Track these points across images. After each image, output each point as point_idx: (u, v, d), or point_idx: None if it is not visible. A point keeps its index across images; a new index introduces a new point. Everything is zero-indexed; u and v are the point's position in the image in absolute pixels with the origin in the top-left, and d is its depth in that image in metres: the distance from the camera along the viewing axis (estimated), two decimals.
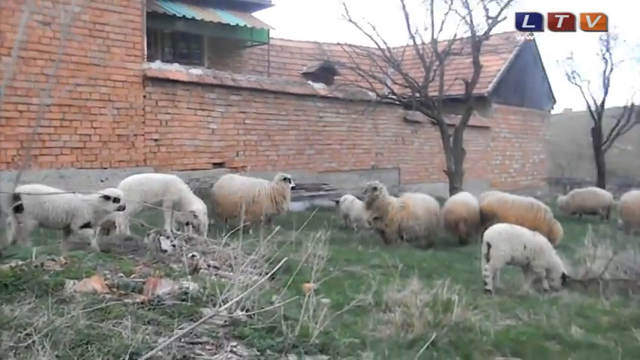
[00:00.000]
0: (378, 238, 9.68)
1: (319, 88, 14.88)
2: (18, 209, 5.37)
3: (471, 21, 13.36)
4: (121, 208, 6.07)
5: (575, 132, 32.09)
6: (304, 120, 14.42)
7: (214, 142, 12.53)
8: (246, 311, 3.39)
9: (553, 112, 23.89)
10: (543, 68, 21.86)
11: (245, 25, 15.24)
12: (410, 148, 17.31)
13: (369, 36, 14.35)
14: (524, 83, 20.64)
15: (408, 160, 17.27)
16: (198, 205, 7.66)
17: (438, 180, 16.89)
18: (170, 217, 7.53)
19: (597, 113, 22.76)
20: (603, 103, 22.93)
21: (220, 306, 3.20)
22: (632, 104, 22.84)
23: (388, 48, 14.15)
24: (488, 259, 6.31)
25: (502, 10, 12.98)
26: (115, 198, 5.86)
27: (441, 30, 13.68)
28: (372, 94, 14.57)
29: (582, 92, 24.43)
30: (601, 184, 20.34)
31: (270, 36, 16.64)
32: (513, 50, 18.36)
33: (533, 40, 20.11)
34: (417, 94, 14.20)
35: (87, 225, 5.75)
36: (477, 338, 4.11)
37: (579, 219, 14.49)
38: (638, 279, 6.35)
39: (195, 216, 7.55)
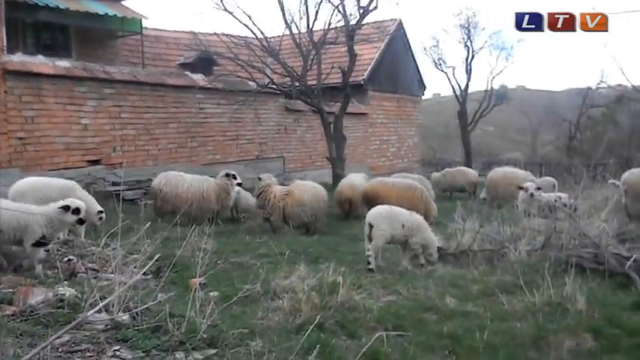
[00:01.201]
0: (266, 228, 9.76)
1: (198, 78, 14.55)
2: None
3: (344, 10, 13.78)
4: (82, 222, 5.39)
5: (444, 116, 34.43)
6: (184, 112, 14.03)
7: (88, 138, 11.79)
8: (130, 312, 3.30)
9: (424, 97, 25.32)
10: (413, 56, 23.09)
11: (115, 15, 14.45)
12: (293, 136, 17.51)
13: (246, 25, 14.29)
14: (396, 71, 21.65)
15: (292, 148, 17.47)
16: (99, 207, 7.44)
17: (321, 167, 17.28)
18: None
19: (462, 97, 24.65)
20: (467, 87, 24.88)
21: (102, 310, 3.08)
22: (492, 88, 25.03)
23: (265, 37, 14.18)
24: (370, 239, 6.64)
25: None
26: (75, 209, 5.20)
27: (315, 19, 13.97)
28: (252, 84, 14.52)
29: (448, 78, 26.31)
30: (468, 163, 22.10)
31: (144, 26, 15.93)
32: (385, 39, 19.17)
33: (403, 28, 21.21)
34: (297, 83, 14.39)
35: (40, 242, 4.98)
36: (361, 316, 4.33)
37: (450, 197, 15.59)
38: (502, 248, 6.95)
39: (101, 218, 7.32)
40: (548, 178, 13.15)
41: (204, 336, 3.09)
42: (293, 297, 4.44)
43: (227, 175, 9.64)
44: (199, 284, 4.13)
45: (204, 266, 4.34)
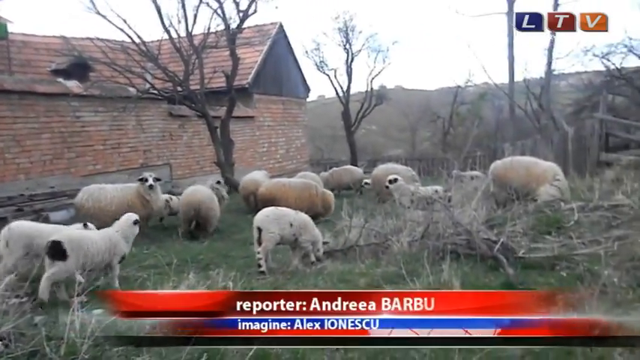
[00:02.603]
0: (153, 237, 9.46)
1: (72, 85, 13.70)
2: None
3: (223, 14, 13.67)
4: None
5: (329, 117, 35.29)
6: (58, 121, 13.16)
7: None
8: (2, 341, 3.08)
9: (309, 99, 25.80)
10: (296, 59, 23.44)
11: None
12: (179, 142, 17.07)
13: (121, 29, 13.71)
14: (280, 74, 21.86)
15: (178, 155, 17.03)
16: None
17: (210, 172, 17.02)
18: None
19: (345, 99, 25.45)
20: (349, 89, 25.74)
21: None
22: (372, 89, 26.10)
23: (143, 42, 13.69)
24: (260, 243, 6.68)
25: (251, 3, 13.56)
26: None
27: (194, 23, 13.73)
28: (132, 90, 13.96)
29: (330, 80, 27.06)
30: (354, 161, 22.88)
31: (9, 31, 14.72)
32: (267, 42, 19.29)
33: (284, 32, 21.49)
34: (179, 88, 14.06)
35: None
36: None
37: (338, 194, 16.04)
38: (385, 241, 7.30)
39: None
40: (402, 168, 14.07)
41: (86, 357, 2.96)
42: None
43: (140, 180, 9.29)
44: (82, 302, 3.94)
45: (85, 283, 4.14)
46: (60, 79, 14.20)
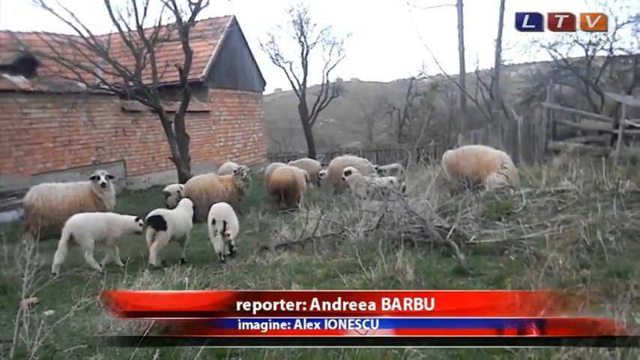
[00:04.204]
0: None
1: (19, 82, 13.23)
2: None
3: (175, 7, 13.44)
4: None
5: (286, 110, 35.23)
6: (5, 119, 12.71)
7: None
8: None
9: (265, 92, 25.69)
10: (251, 52, 23.28)
11: None
12: (133, 138, 16.74)
13: (69, 23, 13.29)
14: (235, 67, 21.66)
15: (133, 151, 16.71)
16: None
17: (166, 168, 16.79)
18: None
19: (301, 92, 25.44)
20: (305, 82, 25.75)
21: None
22: (328, 81, 26.20)
23: (92, 36, 13.31)
24: (223, 234, 6.86)
25: None
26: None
27: (145, 16, 13.44)
28: (82, 85, 13.57)
29: (286, 73, 27.00)
30: (312, 154, 22.93)
31: None
32: (220, 35, 19.06)
33: (238, 25, 21.30)
34: (131, 83, 13.76)
35: None
36: None
37: None
38: (342, 232, 7.38)
39: None
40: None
41: (36, 358, 2.91)
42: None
43: (92, 178, 9.04)
44: (32, 304, 3.86)
45: (35, 284, 4.05)
46: (5, 75, 13.67)
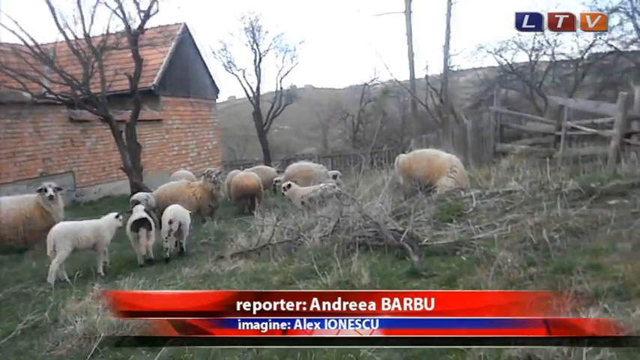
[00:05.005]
0: None
1: None
2: None
3: (123, 14, 13.20)
4: None
5: (240, 117, 34.99)
6: None
7: None
8: None
9: (219, 100, 25.46)
10: (203, 59, 23.05)
11: None
12: (82, 149, 16.29)
13: (12, 31, 12.88)
14: (187, 75, 21.41)
15: (82, 162, 16.25)
16: None
17: (117, 178, 16.41)
18: None
19: (255, 99, 25.38)
20: (259, 89, 25.70)
21: None
22: (282, 88, 26.24)
23: (37, 44, 12.91)
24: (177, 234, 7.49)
25: (152, 3, 13.18)
26: None
27: (92, 23, 13.14)
28: (26, 95, 13.12)
29: (240, 80, 26.87)
30: (267, 161, 22.89)
31: None
32: (172, 43, 18.83)
33: (189, 32, 21.09)
34: (79, 92, 13.41)
35: None
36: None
37: None
38: (298, 238, 7.39)
39: None
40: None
41: None
42: (87, 320, 4.21)
43: (39, 190, 8.69)
44: None
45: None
46: None
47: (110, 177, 16.89)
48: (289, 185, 10.91)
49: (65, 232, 6.72)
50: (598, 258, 5.09)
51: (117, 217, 7.31)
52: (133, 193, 12.53)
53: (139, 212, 7.62)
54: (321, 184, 10.59)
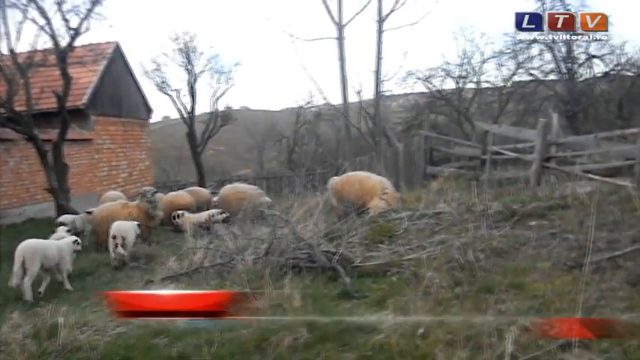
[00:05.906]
0: None
1: None
2: None
3: (52, 31, 12.80)
4: None
5: (174, 138, 34.40)
6: None
7: None
8: None
9: (152, 120, 24.97)
10: (135, 79, 22.62)
11: None
12: (4, 168, 15.49)
13: None
14: (119, 94, 20.93)
15: (5, 182, 15.45)
16: None
17: (43, 200, 15.67)
18: None
19: (189, 119, 25.06)
20: (193, 110, 25.42)
21: None
22: (217, 109, 26.07)
23: None
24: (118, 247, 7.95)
25: (82, 21, 12.89)
26: None
27: (18, 39, 12.68)
28: None
29: (174, 101, 26.46)
30: (202, 182, 22.58)
31: None
32: (102, 62, 18.40)
33: (121, 51, 20.70)
34: (2, 109, 12.81)
35: None
36: (86, 356, 4.12)
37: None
38: (231, 260, 7.31)
39: None
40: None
41: None
42: (5, 349, 4.00)
43: None
44: None
45: None
46: None
47: (35, 198, 16.12)
48: (183, 214, 11.45)
49: (34, 249, 6.69)
50: (519, 277, 5.32)
51: (75, 242, 7.51)
52: (58, 216, 12.01)
53: (59, 234, 7.65)
54: (210, 211, 11.35)
